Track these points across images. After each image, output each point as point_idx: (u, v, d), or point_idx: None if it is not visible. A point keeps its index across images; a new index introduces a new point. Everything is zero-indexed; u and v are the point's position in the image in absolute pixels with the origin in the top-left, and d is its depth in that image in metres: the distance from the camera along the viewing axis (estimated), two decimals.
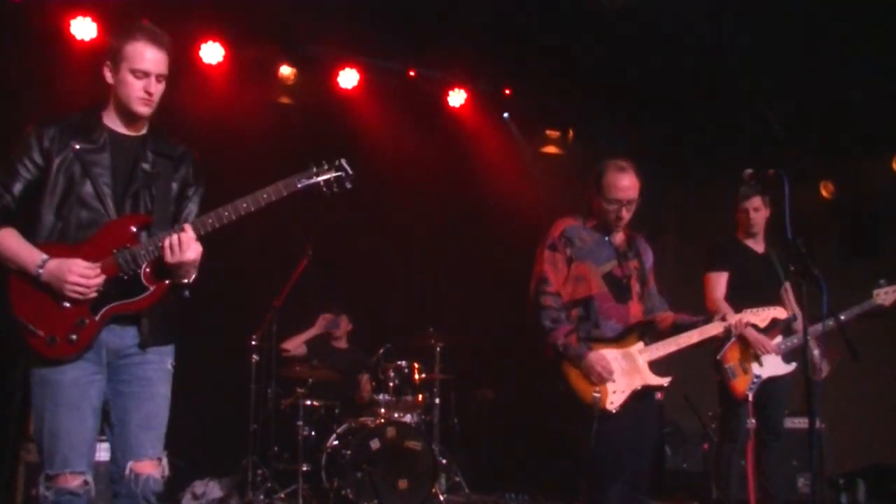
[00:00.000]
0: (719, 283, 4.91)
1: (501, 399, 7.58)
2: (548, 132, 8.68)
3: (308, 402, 6.11)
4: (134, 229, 2.79)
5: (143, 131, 2.95)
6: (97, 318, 2.73)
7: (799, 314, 4.71)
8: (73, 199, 2.77)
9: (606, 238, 3.82)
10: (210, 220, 2.78)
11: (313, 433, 6.17)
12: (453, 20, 6.56)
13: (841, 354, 4.52)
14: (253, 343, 6.09)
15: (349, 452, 5.66)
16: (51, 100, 6.23)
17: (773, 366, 4.77)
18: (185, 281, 2.83)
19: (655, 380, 3.67)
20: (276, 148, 6.96)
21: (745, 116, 7.49)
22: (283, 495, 5.96)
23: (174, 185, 2.95)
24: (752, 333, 4.57)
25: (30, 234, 2.78)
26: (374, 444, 5.70)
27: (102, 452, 3.07)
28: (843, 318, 4.55)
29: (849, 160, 7.42)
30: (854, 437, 6.76)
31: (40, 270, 2.67)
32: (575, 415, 3.58)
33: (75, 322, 2.71)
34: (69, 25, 6.32)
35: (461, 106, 7.89)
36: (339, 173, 2.91)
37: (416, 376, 6.39)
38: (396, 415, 6.08)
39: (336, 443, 5.96)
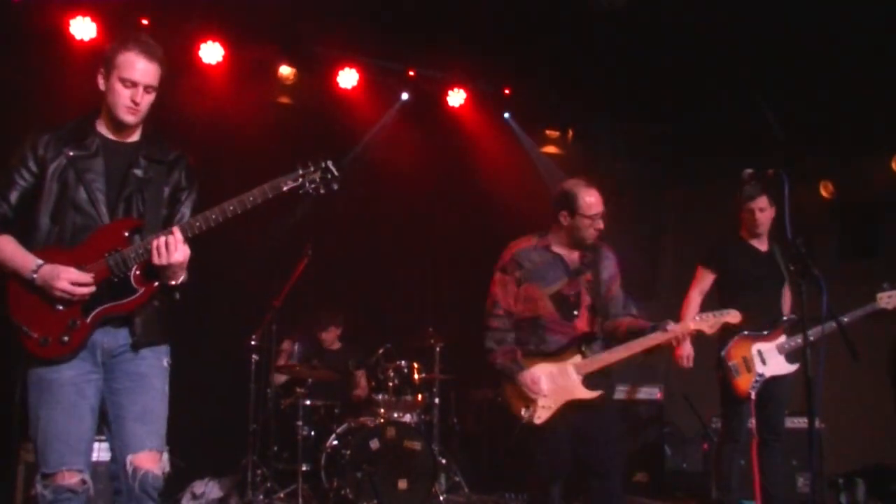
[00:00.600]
0: (703, 280, 4.99)
1: (501, 399, 7.57)
2: (548, 132, 8.68)
3: (308, 402, 6.11)
4: (126, 233, 2.85)
5: (136, 138, 3.01)
6: (88, 319, 2.80)
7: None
8: (67, 204, 2.84)
9: (557, 257, 4.04)
10: (197, 223, 2.83)
11: (313, 433, 6.18)
12: (453, 20, 6.56)
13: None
14: (253, 343, 6.09)
15: (349, 452, 5.66)
16: (50, 99, 6.23)
17: (776, 365, 4.77)
18: (174, 283, 2.88)
19: (585, 394, 3.89)
20: (276, 148, 6.96)
21: (745, 116, 7.49)
22: (282, 495, 5.96)
23: (166, 190, 3.01)
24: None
25: (28, 240, 2.85)
26: (374, 444, 5.70)
27: (102, 453, 3.08)
28: (845, 319, 4.55)
29: (849, 160, 7.42)
30: (854, 437, 6.76)
31: (34, 275, 2.75)
32: (510, 423, 3.97)
33: (67, 324, 2.78)
34: (69, 25, 6.33)
35: (461, 106, 7.89)
36: (324, 174, 2.91)
37: (416, 376, 6.39)
38: (396, 415, 6.08)
39: (336, 443, 5.96)
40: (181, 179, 3.05)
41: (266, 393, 6.23)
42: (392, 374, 6.24)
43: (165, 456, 2.92)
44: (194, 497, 5.91)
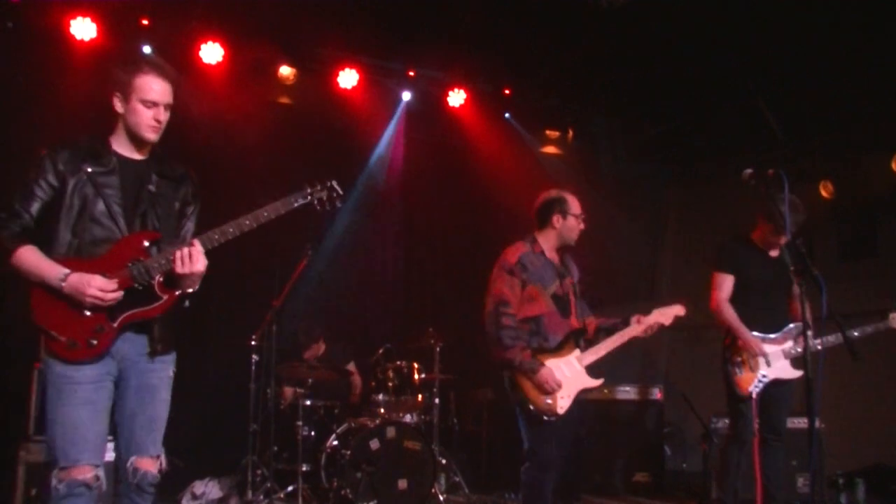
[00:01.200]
0: (724, 284, 4.91)
1: (501, 399, 7.56)
2: (548, 132, 8.68)
3: (308, 402, 6.12)
4: (146, 244, 3.06)
5: (146, 155, 3.21)
6: (115, 324, 3.00)
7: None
8: (86, 217, 3.02)
9: (549, 261, 4.41)
10: (216, 236, 3.07)
11: (313, 433, 6.18)
12: (453, 20, 6.57)
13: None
14: (253, 343, 6.09)
15: (349, 452, 5.66)
16: (50, 99, 6.24)
17: (780, 368, 4.77)
18: (190, 291, 3.11)
19: (592, 382, 4.31)
20: (276, 148, 6.97)
21: (745, 116, 7.49)
22: (282, 495, 5.96)
23: (176, 205, 3.24)
24: (744, 334, 4.75)
25: (46, 250, 3.01)
26: (374, 444, 5.70)
27: (108, 453, 3.20)
28: (855, 333, 4.62)
29: (849, 160, 7.42)
30: (854, 437, 6.76)
31: (62, 283, 2.92)
32: (529, 418, 4.21)
33: (94, 328, 2.96)
34: (69, 25, 6.33)
35: (461, 106, 7.89)
36: (330, 193, 3.26)
37: (416, 376, 6.39)
38: (396, 415, 6.08)
39: (336, 443, 5.96)
40: (188, 195, 3.27)
41: (266, 393, 6.23)
42: (392, 374, 6.25)
43: (163, 456, 3.14)
44: (194, 497, 5.91)
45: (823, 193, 7.61)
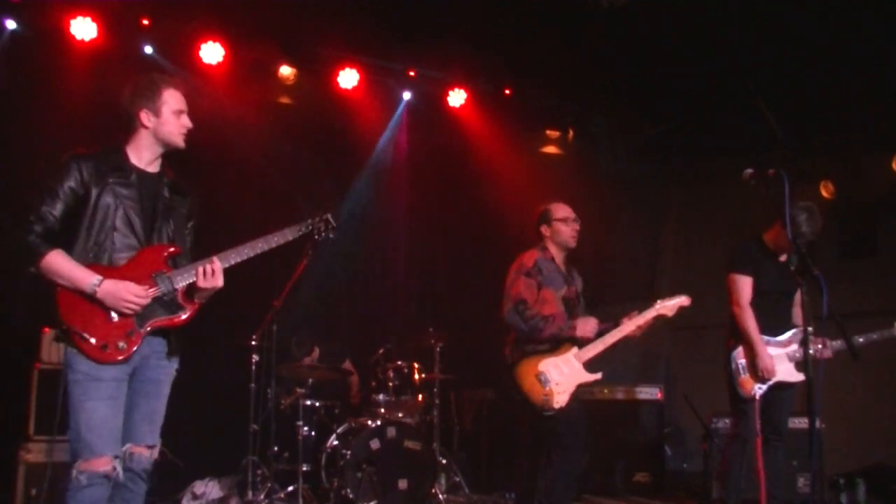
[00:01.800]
0: (745, 287, 4.85)
1: (501, 399, 7.57)
2: (548, 132, 8.68)
3: (308, 402, 6.11)
4: (166, 255, 3.28)
5: (159, 168, 3.41)
6: (143, 330, 3.20)
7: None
8: (107, 226, 3.20)
9: (559, 267, 4.72)
10: (233, 256, 3.35)
11: (313, 433, 6.17)
12: (453, 20, 6.56)
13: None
14: (253, 343, 6.08)
15: (349, 452, 5.66)
16: (50, 99, 6.24)
17: (784, 371, 4.77)
18: (202, 302, 3.36)
19: (589, 377, 4.51)
20: (276, 148, 6.96)
21: (745, 116, 7.49)
22: (282, 495, 5.96)
23: (183, 219, 3.45)
24: (761, 350, 4.73)
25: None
26: (374, 444, 5.70)
27: None
28: (860, 340, 4.64)
29: (849, 160, 7.42)
30: (854, 437, 6.76)
31: (96, 288, 3.08)
32: (527, 414, 4.45)
33: (125, 332, 3.16)
34: (69, 25, 6.33)
35: (461, 106, 7.89)
36: (326, 225, 3.65)
37: (416, 376, 6.39)
38: (396, 415, 6.07)
39: (336, 443, 5.96)
40: (193, 210, 3.49)
41: (266, 393, 6.23)
42: (392, 375, 6.24)
43: (158, 446, 3.35)
44: (194, 497, 5.90)
45: (823, 193, 7.61)
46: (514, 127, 8.15)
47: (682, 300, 4.58)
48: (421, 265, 8.30)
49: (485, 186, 7.99)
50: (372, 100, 7.60)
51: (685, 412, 6.85)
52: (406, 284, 8.20)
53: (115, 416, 3.16)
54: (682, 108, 7.77)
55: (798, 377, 4.77)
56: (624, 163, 8.59)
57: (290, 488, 5.92)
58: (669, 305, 4.55)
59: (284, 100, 7.42)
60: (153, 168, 3.38)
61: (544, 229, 4.76)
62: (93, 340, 3.09)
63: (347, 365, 6.89)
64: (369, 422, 5.90)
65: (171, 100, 3.34)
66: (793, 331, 4.84)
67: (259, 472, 6.03)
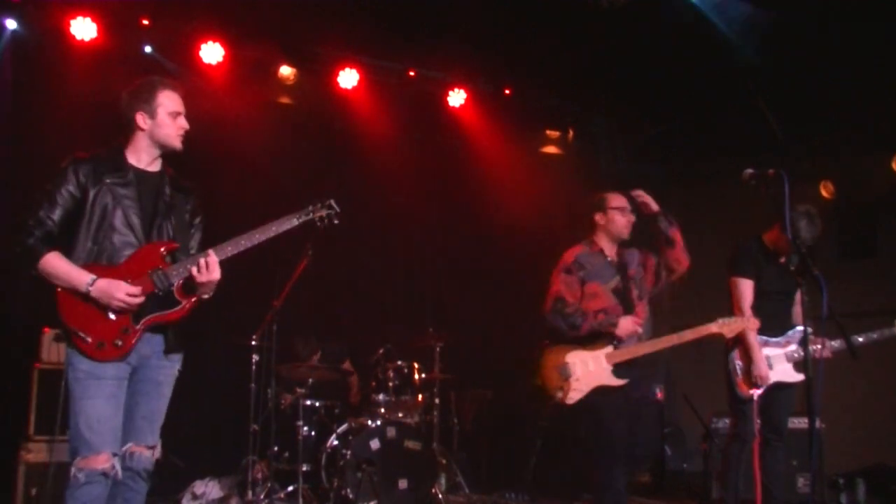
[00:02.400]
0: (747, 291, 4.84)
1: (501, 399, 7.58)
2: (548, 132, 8.68)
3: (308, 402, 6.11)
4: (163, 251, 3.30)
5: (159, 168, 3.44)
6: (138, 326, 3.23)
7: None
8: (106, 226, 3.24)
9: (608, 259, 4.54)
10: (228, 248, 3.32)
11: (313, 433, 6.17)
12: (453, 20, 6.56)
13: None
14: (253, 343, 6.09)
15: (349, 452, 5.66)
16: (51, 99, 6.24)
17: (782, 372, 4.77)
18: (205, 297, 3.35)
19: (612, 381, 4.33)
20: (276, 148, 6.96)
21: (745, 116, 7.49)
22: (282, 495, 5.96)
23: (187, 216, 3.47)
24: (759, 361, 4.71)
25: (67, 256, 3.20)
26: (375, 443, 5.70)
27: None
28: (860, 339, 4.64)
29: (849, 160, 7.42)
30: (854, 437, 6.76)
31: (90, 288, 3.12)
32: (540, 401, 4.46)
33: (121, 330, 3.19)
34: (69, 25, 6.33)
35: (461, 106, 7.88)
36: (329, 211, 3.54)
37: (416, 376, 6.38)
38: (396, 415, 6.07)
39: (336, 443, 5.96)
40: (196, 207, 3.51)
41: (266, 393, 6.23)
42: (392, 374, 6.24)
43: (159, 446, 3.37)
44: (194, 497, 5.90)
45: (823, 193, 7.61)
46: (514, 127, 8.14)
47: (749, 322, 4.46)
48: (421, 265, 8.29)
49: (485, 186, 7.98)
50: (372, 100, 7.59)
51: (685, 412, 6.85)
52: (406, 284, 8.20)
53: (115, 415, 3.18)
54: (682, 108, 7.77)
55: (797, 377, 4.77)
56: (624, 163, 8.59)
57: (290, 488, 5.93)
58: (731, 326, 4.40)
59: (284, 100, 7.43)
60: (154, 168, 3.41)
61: (599, 217, 4.60)
62: (90, 339, 3.13)
63: (347, 365, 6.89)
64: (369, 422, 5.90)
65: (168, 102, 3.37)
66: (792, 331, 4.84)
67: (259, 472, 6.02)
